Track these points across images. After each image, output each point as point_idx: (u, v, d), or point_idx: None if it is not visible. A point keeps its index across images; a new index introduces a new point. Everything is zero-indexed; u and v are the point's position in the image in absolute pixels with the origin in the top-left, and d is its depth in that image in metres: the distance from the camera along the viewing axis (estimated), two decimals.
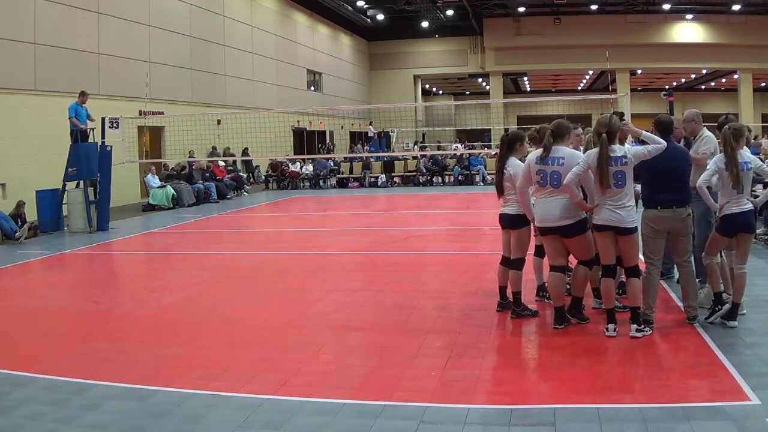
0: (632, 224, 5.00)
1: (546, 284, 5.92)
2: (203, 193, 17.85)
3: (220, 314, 6.24)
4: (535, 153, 5.36)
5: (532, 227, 5.59)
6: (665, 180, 5.12)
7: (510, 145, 5.72)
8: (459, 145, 27.88)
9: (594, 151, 5.00)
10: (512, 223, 5.64)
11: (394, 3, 31.19)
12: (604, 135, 4.92)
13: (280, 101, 26.39)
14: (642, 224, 5.25)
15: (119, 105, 15.74)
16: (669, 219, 5.13)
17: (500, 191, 5.71)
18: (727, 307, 5.17)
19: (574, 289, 5.42)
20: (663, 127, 5.28)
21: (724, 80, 42.34)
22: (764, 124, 34.24)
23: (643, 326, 4.99)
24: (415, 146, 30.83)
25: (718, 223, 5.26)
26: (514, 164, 5.60)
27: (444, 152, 25.14)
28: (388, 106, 29.25)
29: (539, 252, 6.03)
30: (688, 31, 32.66)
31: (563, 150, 5.22)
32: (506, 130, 29.98)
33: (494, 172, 6.12)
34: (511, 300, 5.68)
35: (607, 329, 5.04)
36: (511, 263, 5.65)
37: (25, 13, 14.21)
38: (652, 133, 5.47)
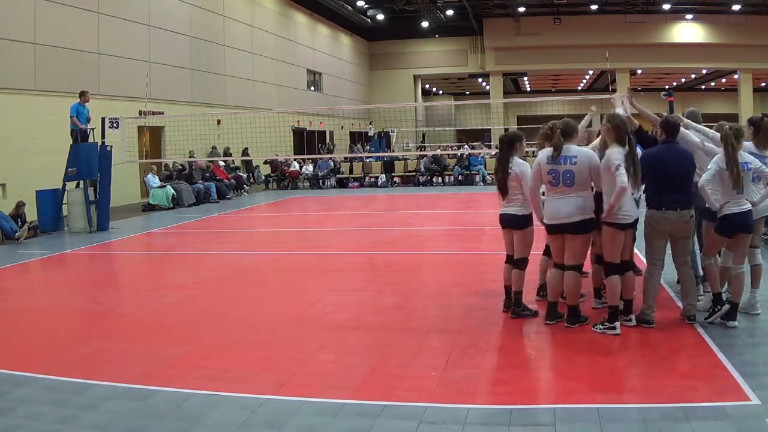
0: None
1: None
2: (203, 193, 17.85)
3: (220, 314, 6.24)
4: (544, 152, 5.32)
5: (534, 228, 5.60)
6: (670, 181, 5.11)
7: (511, 144, 5.72)
8: (466, 146, 27.86)
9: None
10: (516, 223, 5.61)
11: (394, 3, 31.16)
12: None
13: (280, 101, 26.38)
14: (645, 224, 5.26)
15: (119, 105, 15.72)
16: (673, 221, 5.12)
17: (504, 191, 5.61)
18: (726, 307, 5.16)
19: (569, 298, 5.37)
20: (670, 128, 5.25)
21: (724, 80, 42.33)
22: None
23: (614, 324, 5.08)
24: (474, 144, 30.70)
25: (717, 223, 5.26)
26: (518, 163, 5.58)
27: (444, 152, 25.15)
28: (388, 106, 29.23)
29: (549, 252, 5.99)
30: (688, 31, 32.65)
31: (574, 148, 5.21)
32: (506, 130, 29.98)
33: (493, 172, 6.12)
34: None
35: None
36: (515, 263, 5.65)
37: (25, 13, 14.21)
38: (657, 133, 5.46)
